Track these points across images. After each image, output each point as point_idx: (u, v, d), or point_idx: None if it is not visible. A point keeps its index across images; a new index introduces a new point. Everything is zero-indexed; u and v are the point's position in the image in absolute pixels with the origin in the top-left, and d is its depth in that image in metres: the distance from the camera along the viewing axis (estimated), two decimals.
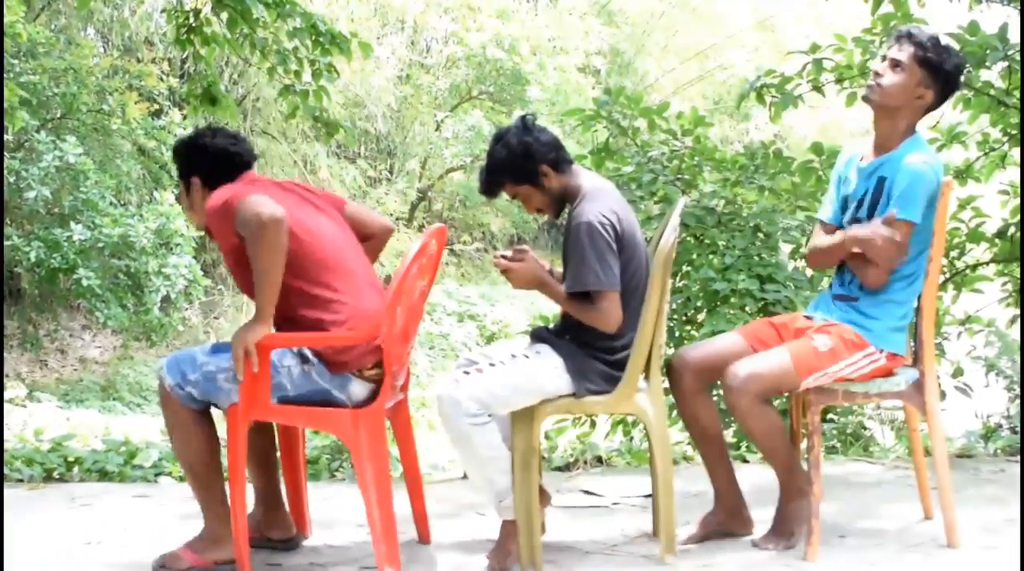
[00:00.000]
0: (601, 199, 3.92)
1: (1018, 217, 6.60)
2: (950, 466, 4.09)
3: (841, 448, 6.28)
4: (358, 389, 3.86)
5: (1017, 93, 6.36)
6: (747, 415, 3.92)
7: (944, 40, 3.96)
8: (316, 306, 3.81)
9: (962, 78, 4.03)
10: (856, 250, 3.95)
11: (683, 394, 4.11)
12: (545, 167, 3.97)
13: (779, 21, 27.76)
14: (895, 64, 3.92)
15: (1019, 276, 6.60)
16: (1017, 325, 6.79)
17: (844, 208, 4.12)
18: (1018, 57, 6.02)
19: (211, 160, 4.06)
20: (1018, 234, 6.53)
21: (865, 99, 4.03)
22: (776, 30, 27.70)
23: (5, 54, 13.89)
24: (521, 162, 3.96)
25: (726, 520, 4.19)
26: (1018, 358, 6.60)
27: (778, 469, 4.06)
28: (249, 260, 3.67)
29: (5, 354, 17.06)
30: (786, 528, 4.06)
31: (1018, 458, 5.70)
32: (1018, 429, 6.12)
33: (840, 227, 4.11)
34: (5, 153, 15.02)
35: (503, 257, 3.97)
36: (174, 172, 16.40)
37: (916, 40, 3.90)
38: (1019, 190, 6.56)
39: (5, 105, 12.20)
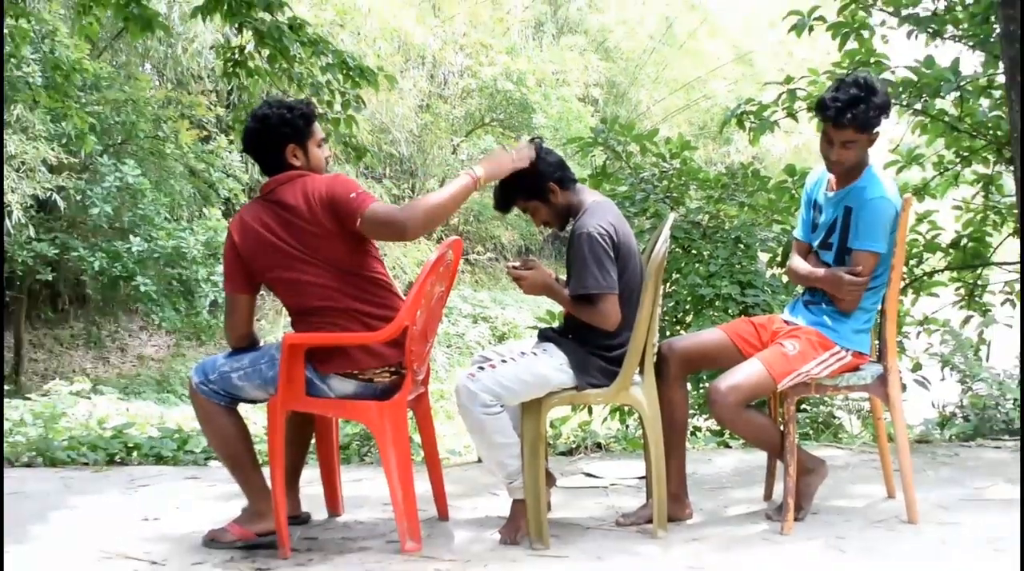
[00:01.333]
0: (600, 213, 3.92)
1: (970, 229, 6.61)
2: (910, 451, 4.07)
3: (813, 435, 6.26)
4: (340, 385, 3.83)
5: (968, 120, 6.35)
6: (735, 424, 3.91)
7: (856, 81, 3.85)
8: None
9: (888, 104, 3.94)
10: (826, 289, 3.97)
11: (665, 379, 4.07)
12: (552, 185, 3.97)
13: (756, 56, 27.80)
14: (845, 144, 3.85)
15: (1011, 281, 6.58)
16: (970, 325, 6.78)
17: (814, 228, 4.11)
18: (970, 87, 6.01)
19: (252, 151, 4.02)
20: (970, 244, 6.53)
21: (832, 172, 4.00)
22: (754, 64, 27.76)
23: (73, 85, 13.92)
24: (531, 180, 3.96)
25: (668, 503, 4.05)
26: (970, 354, 6.58)
27: (779, 457, 4.03)
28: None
29: (73, 353, 17.10)
30: (796, 503, 4.02)
31: (970, 444, 5.69)
32: (970, 418, 6.09)
33: (810, 246, 4.11)
34: (73, 175, 15.05)
35: (515, 267, 3.97)
36: (222, 191, 16.28)
37: (853, 115, 3.79)
38: (1018, 198, 6.52)
39: (77, 131, 12.23)
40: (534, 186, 3.98)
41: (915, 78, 6.26)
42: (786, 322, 4.13)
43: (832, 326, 3.96)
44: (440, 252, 3.86)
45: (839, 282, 3.90)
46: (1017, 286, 6.73)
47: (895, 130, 6.99)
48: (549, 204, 4.02)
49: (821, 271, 4.00)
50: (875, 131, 3.89)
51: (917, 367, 6.58)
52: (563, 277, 4.10)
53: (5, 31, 8.31)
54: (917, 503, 4.02)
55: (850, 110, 3.80)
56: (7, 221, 13.93)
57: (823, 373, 3.91)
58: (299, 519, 4.26)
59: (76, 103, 13.02)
